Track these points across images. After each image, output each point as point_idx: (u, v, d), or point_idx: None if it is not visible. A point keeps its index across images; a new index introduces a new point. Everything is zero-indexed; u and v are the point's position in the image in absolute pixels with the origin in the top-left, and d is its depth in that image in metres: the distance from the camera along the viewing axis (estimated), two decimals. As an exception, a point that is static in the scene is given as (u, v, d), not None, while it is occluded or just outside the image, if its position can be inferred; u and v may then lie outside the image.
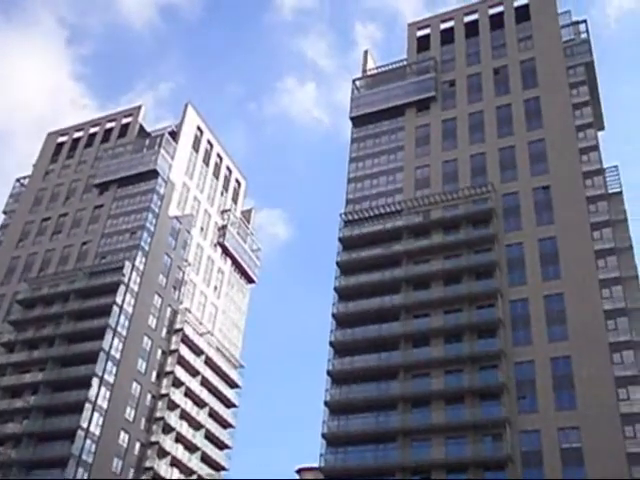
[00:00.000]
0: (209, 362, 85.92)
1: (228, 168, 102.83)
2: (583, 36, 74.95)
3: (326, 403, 61.52)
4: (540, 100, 70.50)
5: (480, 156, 70.13)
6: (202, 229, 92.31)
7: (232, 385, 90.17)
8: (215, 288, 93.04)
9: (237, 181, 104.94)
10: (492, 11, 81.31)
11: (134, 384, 75.27)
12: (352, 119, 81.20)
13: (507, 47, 77.05)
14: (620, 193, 63.99)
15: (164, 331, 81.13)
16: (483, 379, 56.95)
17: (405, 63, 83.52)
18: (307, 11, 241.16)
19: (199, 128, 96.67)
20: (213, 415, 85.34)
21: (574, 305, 56.74)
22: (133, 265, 78.43)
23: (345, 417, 60.77)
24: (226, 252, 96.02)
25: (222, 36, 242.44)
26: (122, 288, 76.12)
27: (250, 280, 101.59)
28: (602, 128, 75.75)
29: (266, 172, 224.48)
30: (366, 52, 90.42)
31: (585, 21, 76.00)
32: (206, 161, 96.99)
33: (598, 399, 51.67)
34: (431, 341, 60.89)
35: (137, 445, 74.09)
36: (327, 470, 58.91)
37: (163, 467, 75.53)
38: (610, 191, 63.94)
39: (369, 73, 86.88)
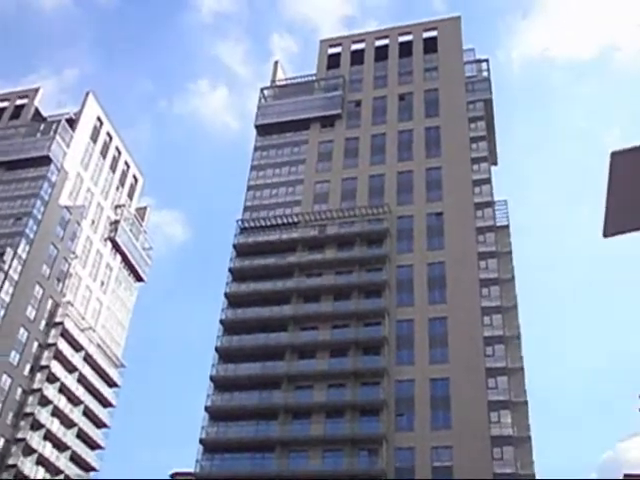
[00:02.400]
0: (88, 359, 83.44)
1: (126, 163, 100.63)
2: (484, 74, 78.55)
3: (207, 408, 61.11)
4: (440, 130, 73.17)
5: (379, 177, 71.91)
6: (93, 222, 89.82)
7: (111, 384, 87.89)
8: (102, 284, 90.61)
9: (134, 177, 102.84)
10: (402, 39, 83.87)
11: (4, 377, 72.06)
12: (257, 127, 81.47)
13: (413, 75, 79.58)
14: (507, 227, 67.45)
15: (43, 323, 78.22)
16: (364, 395, 58.26)
17: (314, 78, 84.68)
18: (226, 15, 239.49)
19: (99, 119, 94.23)
20: (88, 414, 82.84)
21: (456, 330, 59.02)
22: (15, 252, 75.37)
23: (225, 424, 60.57)
24: (116, 248, 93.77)
25: (137, 29, 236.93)
26: (0, 275, 72.98)
27: (139, 278, 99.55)
28: (495, 163, 79.43)
29: (170, 172, 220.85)
30: (276, 63, 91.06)
31: (487, 60, 79.75)
32: (104, 153, 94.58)
33: (472, 421, 53.94)
34: (317, 354, 61.73)
35: (1, 441, 70.90)
36: (202, 476, 58.46)
37: (28, 465, 72.56)
38: (498, 224, 67.14)
39: (278, 84, 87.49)
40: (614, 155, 6.45)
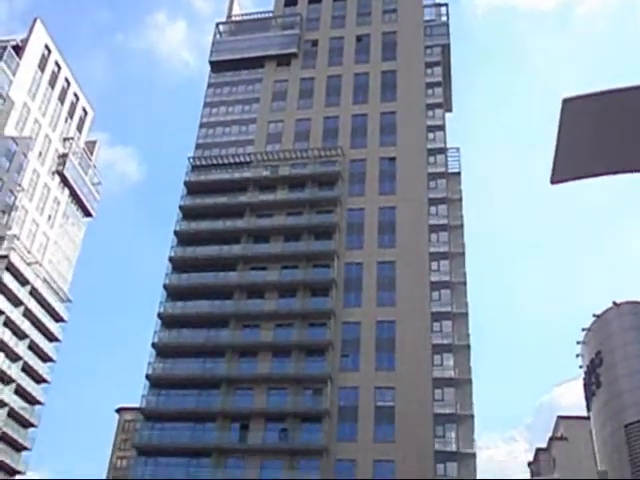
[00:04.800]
0: (34, 293, 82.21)
1: (75, 95, 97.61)
2: (443, 19, 77.93)
3: (154, 345, 61.23)
4: (397, 74, 72.66)
5: (333, 119, 71.43)
6: (41, 154, 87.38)
7: (57, 319, 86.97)
8: (49, 218, 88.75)
9: (84, 110, 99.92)
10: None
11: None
12: (211, 63, 79.80)
13: (372, 16, 78.42)
14: (458, 174, 67.96)
15: (-13, 257, 76.58)
16: (311, 335, 59.05)
17: (271, 15, 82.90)
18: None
19: (47, 47, 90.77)
20: (33, 348, 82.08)
21: (404, 274, 59.87)
22: (-41, 183, 73.20)
23: (172, 360, 60.86)
24: (65, 182, 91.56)
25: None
26: (-56, 206, 70.92)
27: (88, 214, 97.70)
28: (450, 110, 79.49)
29: (125, 108, 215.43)
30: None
31: (447, 4, 79.02)
32: (52, 84, 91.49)
33: (415, 363, 55.27)
34: (265, 294, 62.08)
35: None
36: (147, 411, 58.98)
37: (-30, 398, 71.95)
38: (450, 171, 67.62)
39: (234, 19, 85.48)
40: (565, 102, 6.47)
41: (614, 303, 43.23)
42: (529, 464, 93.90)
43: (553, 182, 6.84)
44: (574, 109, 6.51)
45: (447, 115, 75.61)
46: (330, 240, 63.05)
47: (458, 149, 69.98)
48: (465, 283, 61.86)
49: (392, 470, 51.55)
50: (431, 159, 66.95)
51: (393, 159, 66.80)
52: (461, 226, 64.59)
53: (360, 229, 63.58)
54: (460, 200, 66.38)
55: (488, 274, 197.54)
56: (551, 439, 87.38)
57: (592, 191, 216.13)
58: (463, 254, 63.28)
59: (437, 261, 61.05)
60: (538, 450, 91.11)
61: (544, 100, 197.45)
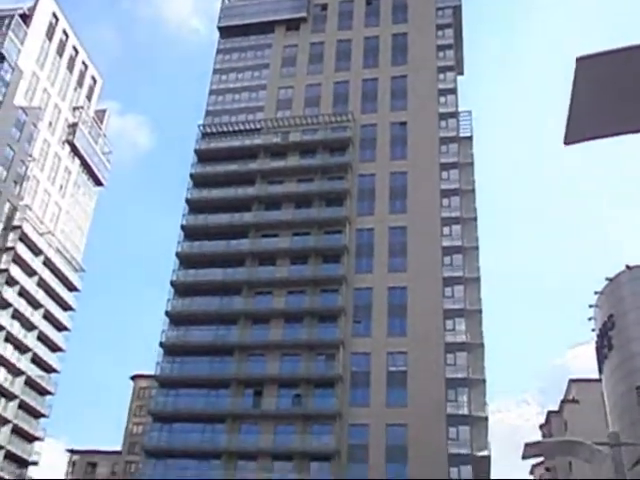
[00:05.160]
0: (48, 263, 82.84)
1: (84, 63, 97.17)
2: (454, -21, 76.45)
3: (167, 313, 61.66)
4: (407, 37, 71.76)
5: (344, 84, 70.81)
6: (50, 124, 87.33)
7: (71, 288, 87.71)
8: (60, 187, 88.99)
9: (93, 78, 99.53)
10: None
11: (-38, 280, 71.39)
12: (220, 29, 79.12)
13: (382, -22, 77.21)
14: (470, 138, 67.23)
15: (0, 227, 77.05)
16: (323, 302, 59.27)
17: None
18: None
19: (54, 15, 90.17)
20: (48, 317, 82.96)
21: (415, 239, 59.76)
22: (-30, 154, 73.30)
23: (185, 328, 61.31)
24: (75, 151, 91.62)
25: None
26: (-44, 177, 71.18)
27: (99, 183, 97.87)
28: (461, 73, 78.52)
29: (134, 76, 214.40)
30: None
31: (457, -35, 77.41)
32: (60, 52, 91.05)
33: (427, 328, 55.41)
34: (277, 261, 62.21)
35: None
36: (162, 378, 59.63)
37: (-12, 365, 72.93)
38: (461, 135, 66.95)
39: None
40: (579, 61, 6.32)
41: (627, 266, 43.08)
42: (541, 427, 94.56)
43: (567, 143, 6.70)
44: (588, 68, 6.36)
45: (458, 78, 74.64)
46: (341, 206, 62.90)
47: (470, 112, 69.27)
48: (477, 248, 61.65)
49: (404, 434, 52.01)
50: (442, 123, 66.32)
51: (404, 124, 66.28)
52: (473, 191, 64.18)
53: (371, 195, 63.36)
54: (472, 164, 65.86)
55: (500, 238, 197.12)
56: (563, 402, 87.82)
57: (606, 152, 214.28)
58: (475, 219, 62.98)
59: (449, 226, 60.76)
60: (550, 413, 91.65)
61: (557, 61, 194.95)
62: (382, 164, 64.45)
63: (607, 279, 43.99)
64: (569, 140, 6.76)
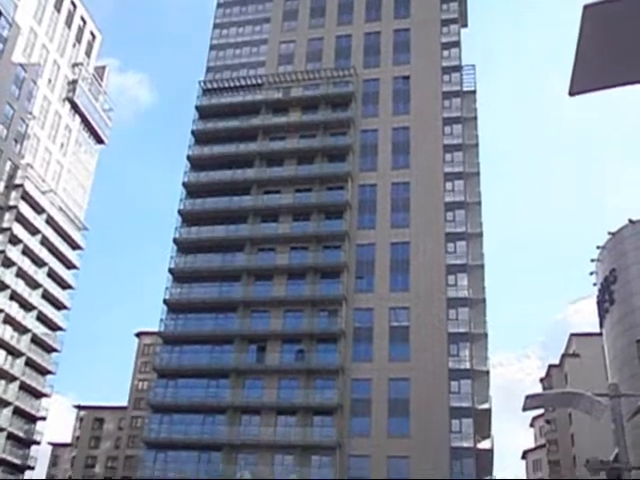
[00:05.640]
0: (51, 221, 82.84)
1: (82, 18, 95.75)
2: None
3: (170, 270, 61.87)
4: (410, -12, 70.45)
5: (346, 38, 69.86)
6: (50, 81, 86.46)
7: (74, 246, 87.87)
8: (61, 145, 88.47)
9: (92, 34, 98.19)
10: None
11: (-34, 239, 71.49)
12: (219, -18, 77.75)
13: None
14: (474, 92, 66.36)
15: (2, 185, 76.80)
16: (326, 258, 59.37)
17: None
18: None
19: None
20: (52, 275, 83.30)
21: (418, 194, 59.62)
22: (-30, 112, 72.72)
23: (188, 285, 61.58)
24: (75, 109, 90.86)
25: None
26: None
27: (100, 140, 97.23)
28: (465, 25, 77.26)
29: (134, 33, 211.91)
30: None
31: None
32: (58, 7, 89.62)
33: (429, 283, 55.64)
34: (279, 217, 62.18)
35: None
36: (166, 335, 60.09)
37: (-5, 325, 73.50)
38: (465, 89, 66.10)
39: None
40: (586, 8, 6.20)
41: (630, 220, 42.98)
42: (541, 380, 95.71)
43: (572, 93, 6.60)
44: (595, 15, 6.23)
45: (462, 31, 73.56)
46: (344, 162, 62.61)
47: (474, 66, 68.23)
48: (480, 203, 61.41)
49: (407, 387, 52.59)
50: (445, 77, 65.52)
51: (407, 78, 65.55)
52: (476, 145, 63.68)
53: (374, 150, 63.00)
54: (475, 119, 65.20)
55: (503, 194, 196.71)
56: (563, 356, 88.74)
57: (608, 106, 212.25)
58: (478, 174, 62.60)
59: (452, 181, 60.46)
60: (550, 366, 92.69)
61: (563, 11, 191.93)
62: (385, 119, 63.92)
63: (609, 233, 43.93)
64: (575, 90, 6.66)
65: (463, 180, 60.70)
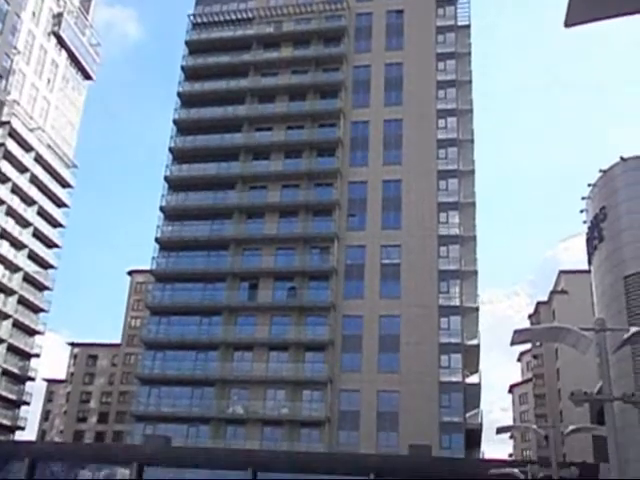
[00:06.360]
0: (40, 159, 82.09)
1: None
2: None
3: (162, 208, 61.72)
4: None
5: (338, -30, 68.08)
6: (34, 14, 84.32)
7: (64, 185, 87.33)
8: (48, 81, 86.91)
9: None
10: None
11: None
12: None
13: None
14: (468, 27, 64.99)
15: (-11, 123, 75.79)
16: (317, 195, 59.29)
17: None
18: None
19: None
20: (42, 214, 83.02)
21: (410, 131, 59.22)
22: (-46, 47, 71.18)
23: (180, 223, 61.53)
24: (61, 43, 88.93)
25: None
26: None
27: (87, 76, 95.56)
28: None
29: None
30: None
31: None
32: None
33: (421, 220, 55.78)
34: (271, 155, 61.80)
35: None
36: (158, 273, 60.32)
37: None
38: (459, 23, 64.85)
39: None
40: None
41: (621, 158, 42.77)
42: (530, 317, 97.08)
43: (567, 25, 6.48)
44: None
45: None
46: (336, 99, 61.90)
47: (468, 0, 66.83)
48: (472, 140, 60.93)
49: (398, 323, 53.26)
50: (440, 11, 64.28)
51: (400, 12, 64.26)
52: (469, 82, 62.83)
53: (366, 87, 62.20)
54: (469, 54, 64.10)
55: (496, 132, 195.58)
56: (552, 293, 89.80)
57: (604, 42, 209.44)
58: (471, 111, 61.93)
59: (444, 118, 59.91)
60: (539, 303, 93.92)
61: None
62: (377, 55, 62.93)
63: (601, 171, 43.80)
64: (570, 21, 6.55)
65: (456, 117, 60.17)
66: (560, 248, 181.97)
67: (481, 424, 53.31)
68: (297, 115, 62.07)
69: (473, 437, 51.95)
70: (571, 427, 19.99)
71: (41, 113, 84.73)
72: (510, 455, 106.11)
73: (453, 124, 59.91)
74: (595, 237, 43.48)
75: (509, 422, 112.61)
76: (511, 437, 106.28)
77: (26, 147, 79.91)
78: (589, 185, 44.99)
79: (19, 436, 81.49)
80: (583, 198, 45.80)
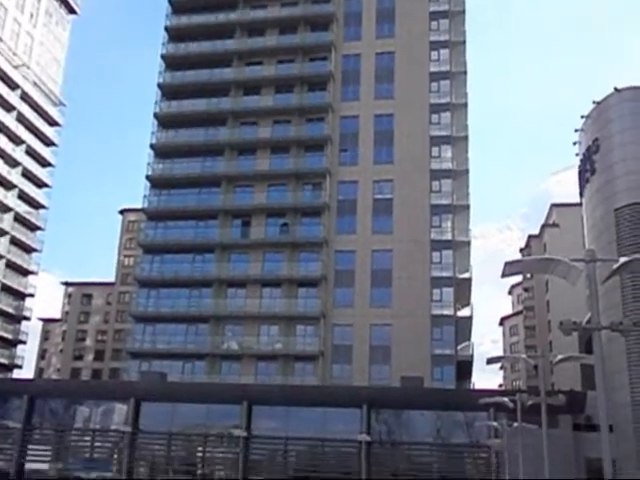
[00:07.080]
0: (26, 97, 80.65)
1: None
2: None
3: (152, 146, 61.14)
4: None
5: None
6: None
7: (52, 123, 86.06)
8: (31, 16, 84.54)
9: None
10: None
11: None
12: None
13: None
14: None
15: (-28, 59, 74.14)
16: (309, 131, 58.76)
17: None
18: None
19: None
20: (31, 153, 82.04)
21: (403, 64, 58.32)
22: None
23: (171, 161, 61.09)
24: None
25: None
26: None
27: (72, 10, 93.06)
28: None
29: None
30: None
31: None
32: None
33: (413, 154, 55.49)
34: (262, 90, 60.97)
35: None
36: (150, 211, 60.17)
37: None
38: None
39: None
40: None
41: (615, 89, 42.31)
42: (521, 250, 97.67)
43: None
44: None
45: None
46: (327, 31, 60.75)
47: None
48: (465, 73, 59.67)
49: (390, 258, 53.53)
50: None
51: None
52: (463, 12, 61.05)
53: (358, 19, 60.93)
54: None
55: (489, 64, 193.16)
56: (543, 226, 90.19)
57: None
58: (464, 42, 60.53)
59: (437, 50, 58.76)
60: (530, 237, 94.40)
61: None
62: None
63: (594, 102, 43.38)
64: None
65: (448, 49, 59.01)
66: (553, 181, 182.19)
67: (472, 356, 54.19)
68: (288, 48, 60.95)
69: (464, 369, 52.86)
70: (560, 356, 20.26)
71: (25, 49, 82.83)
72: (500, 385, 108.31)
73: (446, 56, 58.80)
74: (587, 169, 43.40)
75: (499, 354, 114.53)
76: (501, 368, 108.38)
77: (11, 85, 78.38)
78: (582, 117, 44.64)
79: (17, 374, 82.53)
80: (576, 130, 45.49)
